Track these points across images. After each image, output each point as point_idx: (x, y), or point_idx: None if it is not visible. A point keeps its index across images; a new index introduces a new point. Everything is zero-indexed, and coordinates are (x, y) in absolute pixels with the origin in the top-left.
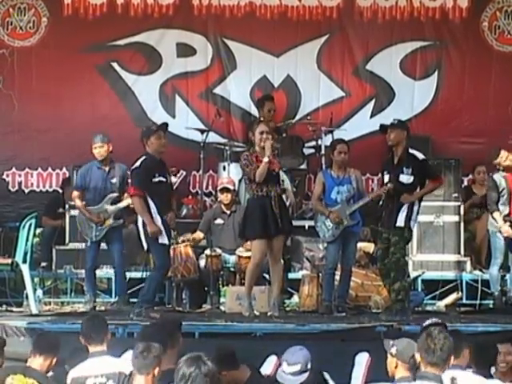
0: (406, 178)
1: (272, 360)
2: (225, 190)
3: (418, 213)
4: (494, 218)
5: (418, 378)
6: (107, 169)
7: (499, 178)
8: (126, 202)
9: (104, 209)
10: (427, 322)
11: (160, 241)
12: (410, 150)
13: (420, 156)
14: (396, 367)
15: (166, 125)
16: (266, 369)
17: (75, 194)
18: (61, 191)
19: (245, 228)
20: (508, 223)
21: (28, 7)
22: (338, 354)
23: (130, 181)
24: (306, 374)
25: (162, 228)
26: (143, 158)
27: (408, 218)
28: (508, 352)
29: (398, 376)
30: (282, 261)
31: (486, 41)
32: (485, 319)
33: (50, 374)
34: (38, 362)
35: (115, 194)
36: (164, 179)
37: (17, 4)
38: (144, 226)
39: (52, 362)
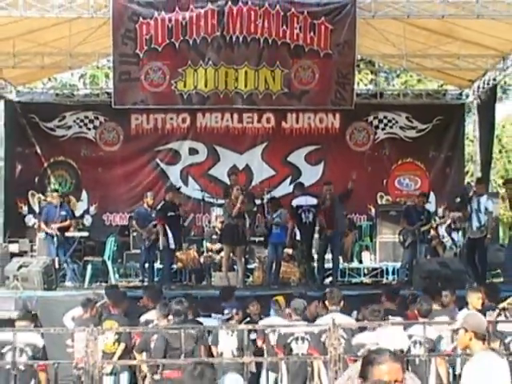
0: None
1: None
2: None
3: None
4: None
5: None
6: (149, 209)
7: None
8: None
9: (149, 229)
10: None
11: (171, 246)
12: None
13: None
14: (291, 317)
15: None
16: None
17: (133, 222)
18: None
19: (221, 237)
20: None
21: (112, 128)
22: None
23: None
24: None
25: (172, 239)
26: (162, 202)
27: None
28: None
29: (292, 319)
30: (244, 259)
31: (348, 145)
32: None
33: None
34: (114, 311)
35: (154, 222)
36: (174, 214)
37: (106, 127)
38: (163, 237)
39: (124, 308)
